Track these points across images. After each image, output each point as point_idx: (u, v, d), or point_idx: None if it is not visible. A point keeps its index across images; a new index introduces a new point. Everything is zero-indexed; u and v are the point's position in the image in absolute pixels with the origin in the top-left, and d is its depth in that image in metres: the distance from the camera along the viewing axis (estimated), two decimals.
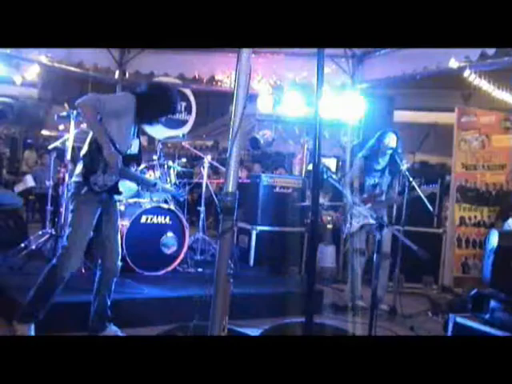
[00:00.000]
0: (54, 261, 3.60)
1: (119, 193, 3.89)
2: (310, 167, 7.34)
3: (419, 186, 5.26)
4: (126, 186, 5.54)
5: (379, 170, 5.60)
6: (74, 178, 3.70)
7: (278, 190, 6.85)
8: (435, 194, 6.67)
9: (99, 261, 3.90)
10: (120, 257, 3.94)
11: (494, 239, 3.88)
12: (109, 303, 3.89)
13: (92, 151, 3.60)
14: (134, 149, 3.90)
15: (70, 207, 3.69)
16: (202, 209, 6.75)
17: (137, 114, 3.74)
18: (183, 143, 6.97)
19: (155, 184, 4.39)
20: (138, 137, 3.95)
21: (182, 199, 5.26)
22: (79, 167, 3.67)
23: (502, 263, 3.80)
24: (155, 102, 3.78)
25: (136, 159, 3.96)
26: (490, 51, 5.39)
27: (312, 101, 2.69)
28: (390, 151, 5.47)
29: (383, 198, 5.57)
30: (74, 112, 5.18)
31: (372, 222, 5.30)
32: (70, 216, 3.69)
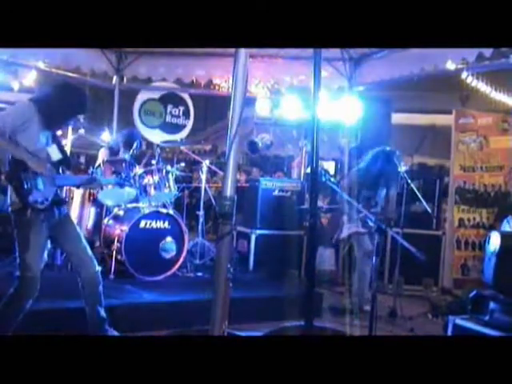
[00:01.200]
0: (12, 291, 3.47)
1: (64, 202, 3.78)
2: (309, 170, 7.34)
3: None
4: (126, 192, 5.54)
5: (374, 183, 5.64)
6: (11, 208, 3.49)
7: (276, 193, 6.84)
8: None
9: (76, 274, 3.81)
10: (95, 264, 3.81)
11: (495, 241, 3.87)
12: (100, 310, 3.81)
13: (15, 173, 3.40)
14: (56, 155, 3.66)
15: (15, 236, 3.50)
16: (201, 213, 6.75)
17: (44, 120, 3.52)
18: (182, 147, 6.97)
19: (94, 179, 4.19)
20: (56, 141, 3.72)
21: (127, 184, 5.06)
22: (10, 195, 3.48)
23: (504, 265, 3.79)
24: (59, 105, 3.58)
25: (63, 163, 3.73)
26: (487, 53, 5.39)
27: (310, 104, 2.69)
28: (386, 167, 5.52)
29: (378, 209, 5.60)
30: None
31: (362, 230, 5.35)
32: (16, 244, 3.50)
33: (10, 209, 3.51)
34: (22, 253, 3.50)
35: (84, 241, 3.85)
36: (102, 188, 5.09)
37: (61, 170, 3.70)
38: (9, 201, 3.51)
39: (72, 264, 3.88)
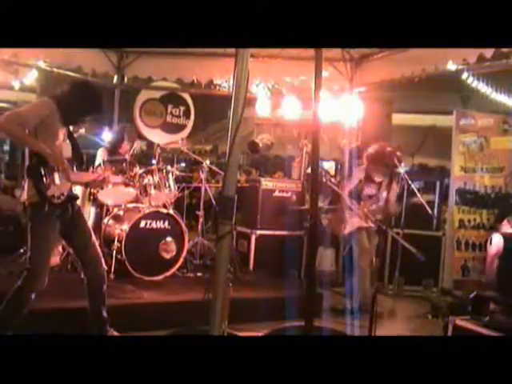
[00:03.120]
0: (20, 283, 3.50)
1: (76, 198, 3.81)
2: (309, 171, 7.33)
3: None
4: (126, 192, 5.54)
5: (378, 182, 5.65)
6: (28, 200, 3.52)
7: (277, 193, 6.84)
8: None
9: (82, 272, 3.84)
10: (102, 262, 3.85)
11: (498, 243, 3.87)
12: (102, 309, 3.83)
13: (34, 167, 3.47)
14: (69, 151, 3.73)
15: (29, 229, 3.53)
16: (201, 213, 6.75)
17: (63, 116, 3.60)
18: (182, 147, 6.96)
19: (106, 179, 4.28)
20: (71, 138, 3.80)
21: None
22: (29, 188, 3.52)
23: (507, 267, 3.79)
24: (77, 102, 3.64)
25: (76, 161, 3.78)
26: (488, 53, 5.38)
27: (310, 104, 2.70)
28: (389, 167, 5.52)
29: (379, 205, 5.60)
30: None
31: (366, 225, 5.35)
32: (29, 238, 3.53)
33: (26, 202, 3.54)
34: (33, 246, 3.53)
35: (94, 238, 3.88)
36: (102, 187, 5.09)
37: (74, 167, 3.75)
38: (25, 194, 3.54)
39: (79, 261, 3.88)
